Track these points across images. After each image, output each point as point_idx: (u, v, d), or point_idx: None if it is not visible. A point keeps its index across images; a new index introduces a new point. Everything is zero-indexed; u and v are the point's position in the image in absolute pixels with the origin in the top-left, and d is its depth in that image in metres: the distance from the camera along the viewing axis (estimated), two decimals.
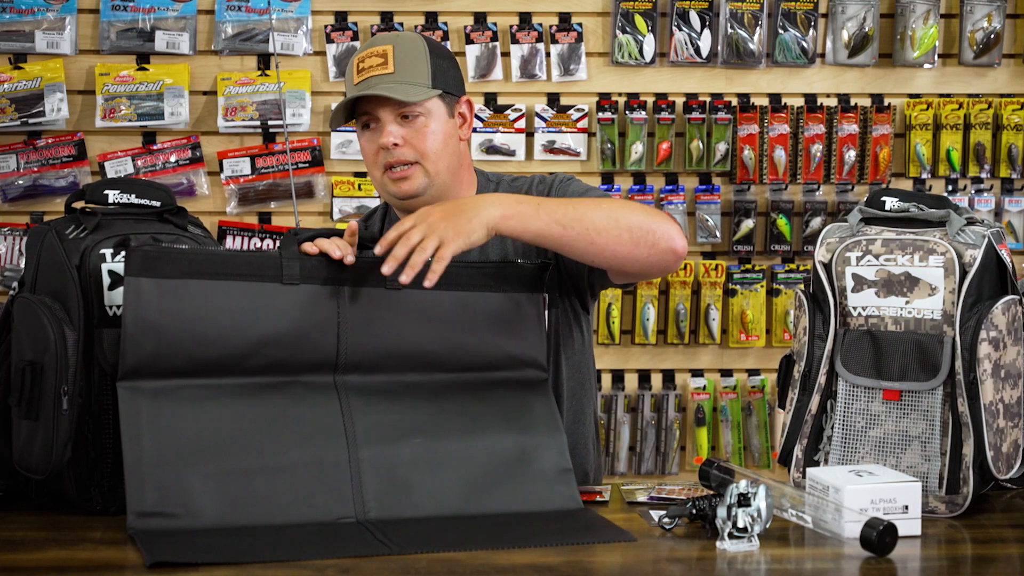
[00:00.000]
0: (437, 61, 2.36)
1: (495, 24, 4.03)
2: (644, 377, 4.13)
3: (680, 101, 4.08)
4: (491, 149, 4.04)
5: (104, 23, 3.96)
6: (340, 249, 2.09)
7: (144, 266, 1.99)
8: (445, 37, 4.01)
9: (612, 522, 2.01)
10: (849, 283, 2.17)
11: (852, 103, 4.09)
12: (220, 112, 3.97)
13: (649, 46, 4.05)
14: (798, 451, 2.19)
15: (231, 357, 2.02)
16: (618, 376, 4.11)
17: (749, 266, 4.10)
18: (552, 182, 2.42)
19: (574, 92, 4.07)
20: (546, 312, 2.24)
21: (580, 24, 4.05)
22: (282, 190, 4.00)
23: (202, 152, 4.00)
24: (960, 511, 2.10)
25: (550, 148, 4.05)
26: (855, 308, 2.17)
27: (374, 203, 3.83)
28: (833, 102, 4.11)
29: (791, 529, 1.97)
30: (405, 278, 2.02)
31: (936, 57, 4.10)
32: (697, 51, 4.06)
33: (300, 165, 4.00)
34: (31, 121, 3.90)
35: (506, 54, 4.05)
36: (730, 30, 4.04)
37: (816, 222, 4.09)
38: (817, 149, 4.07)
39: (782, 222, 4.09)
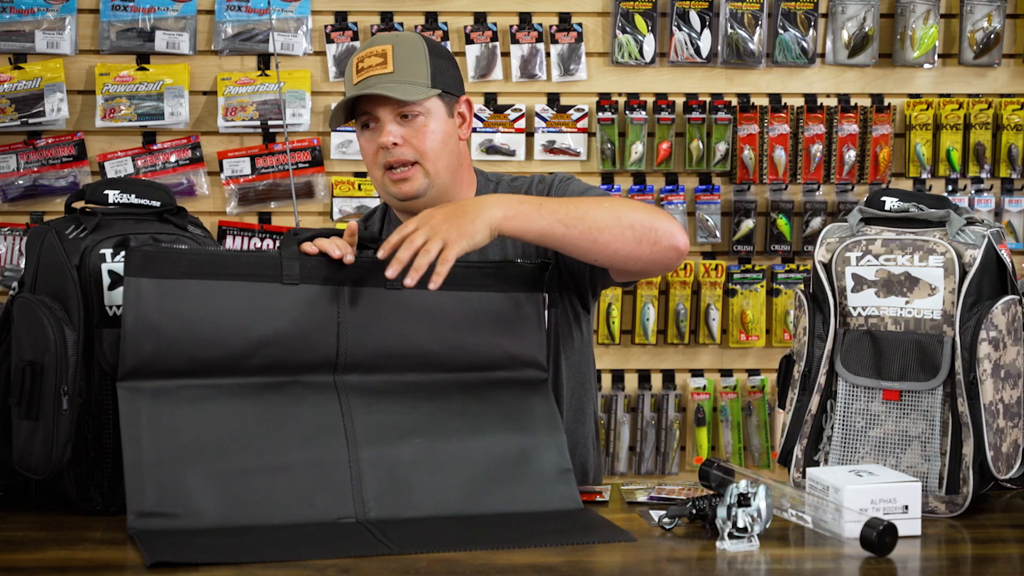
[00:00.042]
0: (436, 61, 2.36)
1: (495, 24, 4.03)
2: (644, 377, 4.13)
3: (680, 101, 4.08)
4: (491, 149, 4.04)
5: (104, 23, 3.96)
6: (340, 249, 2.09)
7: (144, 266, 1.99)
8: (445, 37, 4.01)
9: (612, 522, 2.01)
10: (849, 283, 2.17)
11: (852, 103, 4.09)
12: (220, 112, 3.97)
13: (649, 46, 4.05)
14: (798, 451, 2.19)
15: (231, 357, 2.02)
16: (618, 376, 4.11)
17: (749, 266, 4.10)
18: (552, 182, 2.42)
19: (574, 92, 4.07)
20: (546, 312, 2.24)
21: (580, 24, 4.05)
22: (282, 190, 4.00)
23: (202, 152, 4.00)
24: (960, 511, 2.10)
25: (550, 148, 4.05)
26: (855, 308, 2.17)
27: (374, 203, 3.83)
28: (833, 102, 4.11)
29: (791, 529, 1.97)
30: (410, 281, 2.02)
31: (936, 57, 4.10)
32: (697, 51, 4.06)
33: (300, 165, 4.00)
34: (31, 121, 3.90)
35: (506, 54, 4.05)
36: (730, 30, 4.04)
37: (816, 222, 4.09)
38: (817, 149, 4.07)
39: (782, 222, 4.09)
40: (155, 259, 2.00)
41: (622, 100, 4.07)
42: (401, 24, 4.02)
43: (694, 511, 1.93)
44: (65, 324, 2.02)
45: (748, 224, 4.08)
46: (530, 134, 4.06)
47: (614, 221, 2.19)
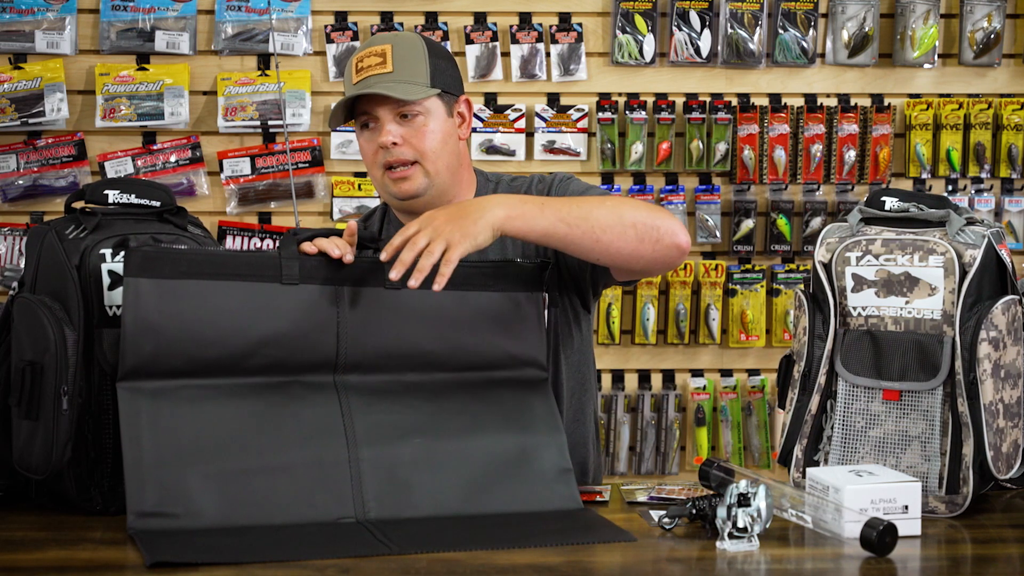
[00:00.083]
0: (436, 60, 2.36)
1: (495, 24, 4.03)
2: (644, 377, 4.13)
3: (680, 101, 4.08)
4: (491, 149, 4.04)
5: (104, 23, 3.96)
6: (339, 248, 2.09)
7: (143, 267, 1.99)
8: (445, 37, 4.01)
9: (612, 522, 2.01)
10: (849, 283, 2.17)
11: (852, 103, 4.09)
12: (220, 112, 3.97)
13: (649, 46, 4.05)
14: (798, 451, 2.19)
15: (231, 357, 2.02)
16: (618, 376, 4.11)
17: (749, 266, 4.10)
18: (552, 181, 2.42)
19: (574, 92, 4.07)
20: (546, 311, 2.24)
21: (580, 24, 4.05)
22: (282, 190, 4.00)
23: (202, 152, 4.00)
24: (960, 511, 2.10)
25: (550, 148, 4.05)
26: (855, 308, 2.17)
27: (374, 203, 3.83)
28: (833, 102, 4.11)
29: (791, 529, 1.97)
30: (414, 282, 2.02)
31: (936, 57, 4.10)
32: (697, 51, 4.06)
33: (300, 165, 4.00)
34: (31, 121, 3.90)
35: (506, 54, 4.05)
36: (730, 30, 4.04)
37: (816, 222, 4.09)
38: (817, 149, 4.07)
39: (782, 222, 4.09)
40: (154, 259, 2.00)
41: (622, 100, 4.07)
42: (401, 24, 4.02)
43: (694, 511, 1.93)
44: (65, 324, 2.02)
45: (748, 224, 4.08)
46: (530, 134, 4.06)
47: (616, 220, 2.19)
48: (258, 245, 3.98)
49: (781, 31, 4.06)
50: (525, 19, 4.05)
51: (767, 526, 1.88)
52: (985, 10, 4.08)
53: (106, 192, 2.13)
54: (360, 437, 2.05)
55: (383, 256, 2.07)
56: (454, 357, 2.15)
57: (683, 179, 4.11)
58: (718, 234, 4.08)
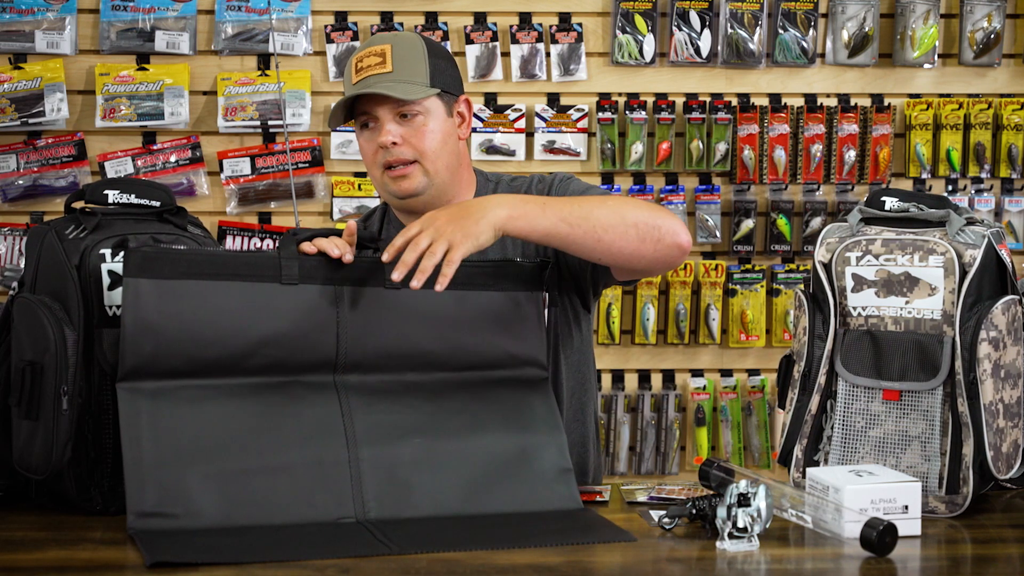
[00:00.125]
0: (435, 60, 2.36)
1: (495, 24, 4.03)
2: (644, 377, 4.13)
3: (680, 101, 4.08)
4: (491, 149, 4.04)
5: (104, 23, 3.96)
6: (339, 248, 2.09)
7: (143, 267, 1.99)
8: (445, 37, 4.01)
9: (612, 522, 2.01)
10: (849, 283, 2.17)
11: (852, 103, 4.09)
12: (220, 112, 3.97)
13: (649, 46, 4.05)
14: (798, 451, 2.19)
15: (230, 357, 2.02)
16: (618, 376, 4.11)
17: (749, 266, 4.10)
18: (552, 181, 2.42)
19: (574, 92, 4.07)
20: (546, 311, 2.24)
21: (580, 24, 4.05)
22: (282, 190, 4.00)
23: (202, 152, 4.00)
24: (960, 511, 2.10)
25: (550, 148, 4.05)
26: (855, 308, 2.17)
27: (374, 203, 3.83)
28: (833, 102, 4.11)
29: (791, 529, 1.97)
30: (416, 283, 2.01)
31: (936, 57, 4.10)
32: (697, 51, 4.06)
33: (300, 165, 4.00)
34: (31, 121, 3.90)
35: (506, 54, 4.05)
36: (730, 30, 4.04)
37: (816, 222, 4.09)
38: (817, 149, 4.07)
39: (782, 222, 4.09)
40: (154, 260, 2.00)
41: (622, 100, 4.07)
42: (401, 24, 4.02)
43: (694, 511, 1.93)
44: (65, 324, 2.02)
45: (748, 224, 4.08)
46: (530, 134, 4.06)
47: (618, 220, 2.19)
48: (258, 245, 3.98)
49: (781, 31, 4.06)
50: (525, 19, 4.05)
51: (767, 526, 1.88)
52: (985, 10, 4.08)
53: (106, 192, 2.13)
54: (360, 437, 2.04)
55: (385, 257, 2.07)
56: (454, 357, 2.14)
57: (683, 179, 4.11)
58: (718, 234, 4.08)
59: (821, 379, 2.18)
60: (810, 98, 4.10)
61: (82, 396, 2.03)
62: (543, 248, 2.30)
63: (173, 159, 3.98)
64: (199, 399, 2.00)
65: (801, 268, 4.10)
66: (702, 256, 4.11)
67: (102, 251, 2.06)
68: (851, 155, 4.06)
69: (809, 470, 2.03)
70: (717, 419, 4.12)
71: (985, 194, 4.12)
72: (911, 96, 4.13)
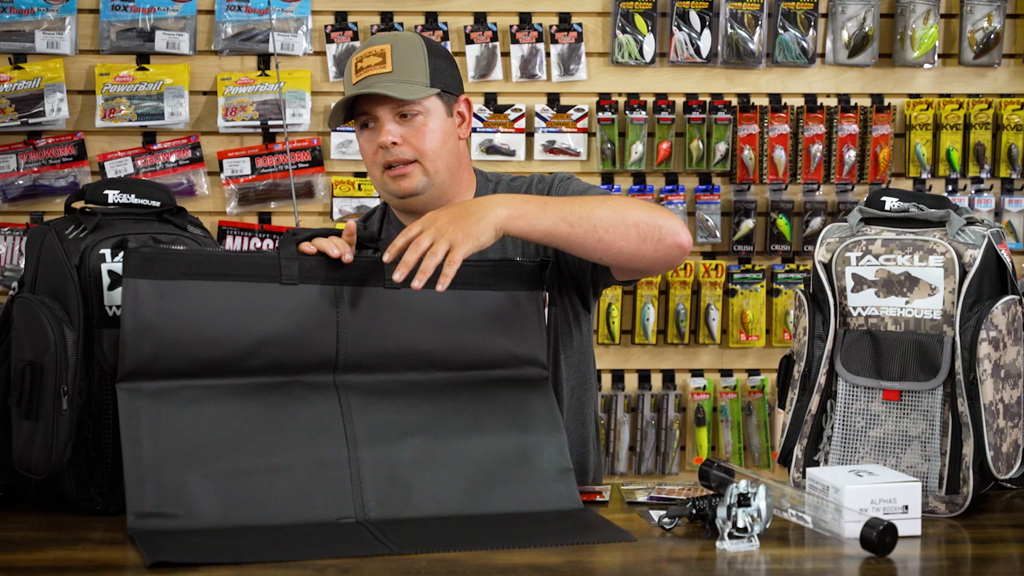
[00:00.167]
0: (435, 60, 2.36)
1: (495, 24, 4.03)
2: (644, 377, 4.13)
3: (680, 101, 4.08)
4: (491, 149, 4.04)
5: (104, 23, 3.96)
6: (338, 248, 2.09)
7: (142, 267, 1.99)
8: (445, 37, 4.01)
9: (612, 522, 2.01)
10: (849, 283, 2.17)
11: (852, 103, 4.09)
12: (220, 112, 3.97)
13: (649, 46, 4.05)
14: (798, 451, 2.19)
15: (230, 358, 2.02)
16: (618, 376, 4.11)
17: (749, 266, 4.10)
18: (552, 181, 2.42)
19: (574, 92, 4.07)
20: (546, 310, 2.24)
21: (580, 24, 4.05)
22: (282, 190, 4.00)
23: (202, 152, 4.00)
24: (960, 511, 2.10)
25: (550, 148, 4.05)
26: (855, 308, 2.17)
27: (374, 203, 3.83)
28: (833, 102, 4.10)
29: (791, 529, 1.97)
30: (417, 284, 2.01)
31: (936, 57, 4.10)
32: (697, 51, 4.06)
33: (300, 165, 4.00)
34: (31, 121, 3.90)
35: (506, 54, 4.05)
36: (730, 30, 4.04)
37: (816, 222, 4.09)
38: (817, 149, 4.07)
39: (782, 222, 4.09)
40: (153, 260, 2.00)
41: (622, 100, 4.07)
42: (401, 24, 4.02)
43: (694, 511, 1.93)
44: (65, 324, 2.02)
45: (748, 224, 4.08)
46: (530, 134, 4.06)
47: (618, 219, 2.19)
48: (258, 245, 3.98)
49: (781, 31, 4.06)
50: (525, 19, 4.05)
51: (767, 526, 1.88)
52: (985, 10, 4.08)
53: (106, 192, 2.13)
54: (360, 437, 2.04)
55: (386, 258, 2.06)
56: (454, 356, 2.14)
57: (683, 179, 4.11)
58: (718, 234, 4.08)
59: (821, 379, 2.18)
60: (810, 98, 4.10)
61: (82, 396, 2.03)
62: (543, 248, 2.30)
63: (173, 159, 3.98)
64: (199, 399, 2.00)
65: (801, 268, 4.10)
66: (702, 256, 4.11)
67: (102, 251, 2.06)
68: (851, 155, 4.06)
69: (809, 470, 2.03)
70: (717, 419, 4.12)
71: (985, 194, 4.12)
72: (911, 96, 4.13)
